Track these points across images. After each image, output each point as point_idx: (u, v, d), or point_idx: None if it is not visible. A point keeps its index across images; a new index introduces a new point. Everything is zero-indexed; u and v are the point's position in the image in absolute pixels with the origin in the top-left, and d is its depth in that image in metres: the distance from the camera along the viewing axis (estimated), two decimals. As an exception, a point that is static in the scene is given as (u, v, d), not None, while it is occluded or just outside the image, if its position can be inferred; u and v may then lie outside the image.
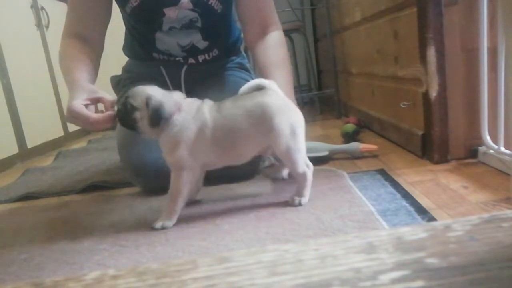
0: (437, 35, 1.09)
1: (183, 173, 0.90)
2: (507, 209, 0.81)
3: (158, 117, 0.87)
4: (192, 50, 1.25)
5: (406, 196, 0.93)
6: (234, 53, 1.39)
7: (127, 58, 1.39)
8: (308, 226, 0.82)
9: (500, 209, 0.82)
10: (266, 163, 1.30)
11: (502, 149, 1.02)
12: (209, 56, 1.28)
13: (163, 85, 1.28)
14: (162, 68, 1.28)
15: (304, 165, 0.93)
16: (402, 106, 1.31)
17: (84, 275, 0.40)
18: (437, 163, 1.14)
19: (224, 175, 1.17)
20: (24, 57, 2.18)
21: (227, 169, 1.10)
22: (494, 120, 1.05)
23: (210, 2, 1.17)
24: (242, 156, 0.96)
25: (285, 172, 1.12)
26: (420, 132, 1.21)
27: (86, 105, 0.94)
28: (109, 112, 0.93)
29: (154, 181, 1.15)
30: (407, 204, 0.88)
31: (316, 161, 1.27)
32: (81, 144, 2.39)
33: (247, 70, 1.40)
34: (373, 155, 1.32)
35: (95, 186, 1.31)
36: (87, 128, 0.95)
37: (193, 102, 0.94)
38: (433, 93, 1.12)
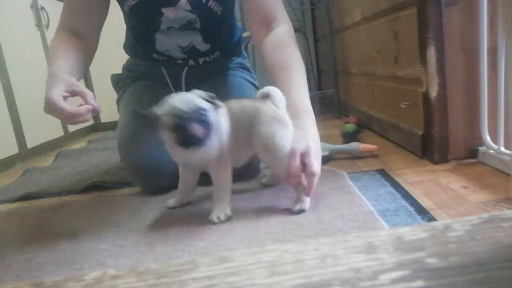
0: (437, 35, 1.09)
1: (223, 165, 0.92)
2: (507, 209, 0.81)
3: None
4: (192, 52, 1.24)
5: (406, 196, 0.93)
6: (236, 53, 1.39)
7: (127, 57, 1.39)
8: (308, 226, 0.82)
9: (500, 209, 0.82)
10: None
11: (502, 149, 1.02)
12: (209, 58, 1.28)
13: (164, 85, 1.29)
14: (163, 68, 1.28)
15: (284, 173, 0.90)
16: (402, 106, 1.31)
17: (84, 275, 0.40)
18: (437, 163, 1.14)
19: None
20: (24, 57, 2.18)
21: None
22: (494, 120, 1.05)
23: (209, 4, 1.15)
24: (242, 158, 0.98)
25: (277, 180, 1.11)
26: (420, 132, 1.21)
27: (65, 97, 0.90)
28: (86, 106, 0.90)
29: (154, 181, 1.15)
30: (407, 204, 0.88)
31: (324, 160, 1.28)
32: (81, 144, 2.39)
33: (248, 69, 1.40)
34: (373, 155, 1.32)
35: (95, 186, 1.31)
36: (65, 121, 0.93)
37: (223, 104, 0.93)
38: (433, 93, 1.12)
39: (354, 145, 1.30)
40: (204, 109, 0.83)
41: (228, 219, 0.90)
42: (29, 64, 2.22)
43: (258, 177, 1.22)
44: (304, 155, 0.88)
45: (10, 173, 1.81)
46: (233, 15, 1.31)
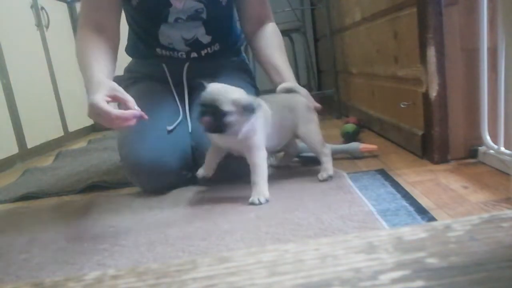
0: (437, 35, 1.09)
1: (261, 152, 1.02)
2: (507, 209, 0.81)
3: (251, 110, 0.96)
4: (195, 44, 1.26)
5: (406, 196, 0.93)
6: (235, 52, 1.39)
7: (128, 60, 1.39)
8: (308, 226, 0.82)
9: (500, 209, 0.82)
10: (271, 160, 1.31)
11: (502, 149, 1.02)
12: (211, 49, 1.30)
13: (165, 85, 1.29)
14: (164, 65, 1.28)
15: (323, 145, 1.13)
16: (402, 106, 1.31)
17: (84, 275, 0.40)
18: (437, 163, 1.14)
19: (224, 175, 1.17)
20: (24, 57, 2.18)
21: (227, 169, 1.11)
22: (494, 120, 1.05)
23: None
24: (281, 142, 1.15)
25: (286, 162, 1.30)
26: (420, 132, 1.21)
27: (108, 102, 0.93)
28: (132, 111, 0.93)
29: (154, 181, 1.15)
30: (407, 204, 0.88)
31: (316, 161, 1.28)
32: (81, 144, 2.39)
33: (247, 71, 1.40)
34: (373, 155, 1.32)
35: (95, 186, 1.31)
36: (108, 125, 0.94)
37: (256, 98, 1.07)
38: (433, 93, 1.12)
39: (354, 145, 1.30)
40: (223, 105, 0.95)
41: (266, 201, 0.98)
42: (29, 64, 2.22)
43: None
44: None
45: (10, 173, 1.81)
46: (234, 12, 1.33)
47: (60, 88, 2.50)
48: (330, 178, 1.09)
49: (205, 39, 1.27)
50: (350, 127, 1.54)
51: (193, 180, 1.24)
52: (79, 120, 2.71)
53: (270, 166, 1.20)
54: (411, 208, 0.85)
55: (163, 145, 1.14)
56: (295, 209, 0.92)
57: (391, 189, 0.98)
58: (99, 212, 1.08)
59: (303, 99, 1.16)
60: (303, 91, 1.18)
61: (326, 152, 1.13)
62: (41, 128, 2.24)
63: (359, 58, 1.87)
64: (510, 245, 0.36)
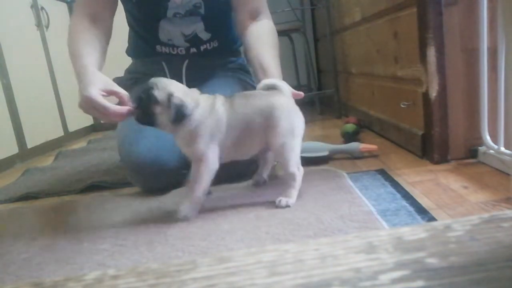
0: (437, 35, 1.09)
1: (204, 164, 0.93)
2: (507, 209, 0.81)
3: (181, 115, 0.90)
4: (194, 40, 1.27)
5: (406, 196, 0.93)
6: (235, 52, 1.40)
7: (128, 61, 1.40)
8: (308, 226, 0.82)
9: (500, 209, 0.82)
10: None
11: (502, 149, 1.02)
12: (210, 45, 1.30)
13: None
14: (164, 64, 1.29)
15: (295, 166, 0.95)
16: (402, 106, 1.31)
17: (84, 275, 0.40)
18: (437, 163, 1.14)
19: (224, 175, 1.17)
20: (24, 57, 2.18)
21: (227, 169, 1.11)
22: (494, 120, 1.05)
23: None
24: (248, 151, 1.00)
25: (265, 174, 1.13)
26: (420, 132, 1.21)
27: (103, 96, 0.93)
28: (128, 108, 0.93)
29: (154, 181, 1.15)
30: (407, 204, 0.88)
31: (316, 161, 1.28)
32: (81, 144, 2.39)
33: (248, 72, 1.40)
34: (373, 155, 1.32)
35: (95, 186, 1.31)
36: (102, 118, 0.94)
37: (208, 98, 0.97)
38: (433, 93, 1.12)
39: (354, 145, 1.30)
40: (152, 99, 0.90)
41: (186, 217, 0.93)
42: (29, 64, 2.22)
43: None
44: None
45: (10, 173, 1.81)
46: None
47: (60, 88, 2.50)
48: (287, 207, 0.93)
49: (204, 35, 1.27)
50: (350, 127, 1.54)
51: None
52: (79, 120, 2.71)
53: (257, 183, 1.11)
54: (411, 208, 0.85)
55: (163, 144, 1.14)
56: (295, 209, 0.92)
57: (391, 189, 0.98)
58: (99, 212, 1.08)
59: (285, 103, 0.96)
60: (286, 89, 1.00)
61: (297, 176, 0.95)
62: (41, 128, 2.24)
63: (359, 58, 1.87)
64: (510, 245, 0.36)
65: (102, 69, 1.06)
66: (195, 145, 0.92)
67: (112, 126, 2.75)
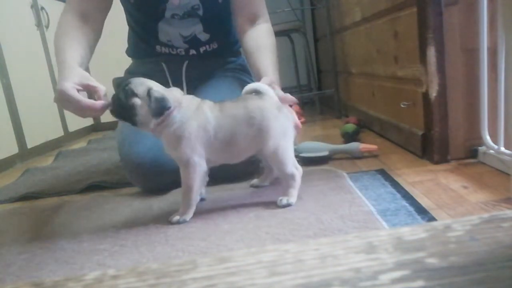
0: (437, 35, 1.09)
1: (190, 168, 0.92)
2: (507, 209, 0.81)
3: (161, 107, 0.87)
4: (193, 41, 1.27)
5: (406, 196, 0.93)
6: (235, 53, 1.40)
7: (128, 61, 1.40)
8: (308, 226, 0.82)
9: (500, 209, 0.82)
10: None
11: (502, 149, 1.02)
12: (209, 47, 1.30)
13: (165, 83, 1.29)
14: (163, 64, 1.29)
15: (292, 166, 0.95)
16: (402, 106, 1.31)
17: (84, 275, 0.40)
18: (437, 163, 1.14)
19: (224, 175, 1.17)
20: (24, 57, 2.18)
21: (227, 169, 1.11)
22: (494, 120, 1.05)
23: None
24: (239, 155, 0.99)
25: (267, 181, 1.12)
26: (420, 132, 1.21)
27: (78, 90, 0.91)
28: (102, 102, 0.90)
29: (153, 180, 1.15)
30: (407, 204, 0.88)
31: (316, 161, 1.28)
32: (81, 144, 2.39)
33: (248, 72, 1.40)
34: (373, 155, 1.32)
35: (95, 186, 1.31)
36: (76, 113, 0.92)
37: (192, 99, 0.95)
38: (433, 93, 1.12)
39: (354, 145, 1.30)
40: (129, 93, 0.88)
41: (184, 221, 0.93)
42: (29, 64, 2.22)
43: (260, 169, 1.23)
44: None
45: (10, 173, 1.81)
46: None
47: (60, 88, 2.50)
48: (288, 206, 0.94)
49: (203, 36, 1.27)
50: (350, 127, 1.54)
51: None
52: (79, 120, 2.71)
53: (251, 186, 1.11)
54: (411, 208, 0.85)
55: (163, 145, 1.14)
56: (295, 209, 0.92)
57: (391, 189, 0.98)
58: (99, 212, 1.08)
59: (273, 106, 0.94)
60: (270, 93, 0.96)
61: (295, 176, 0.95)
62: (41, 128, 2.24)
63: (359, 58, 1.87)
64: (510, 245, 0.36)
65: (86, 66, 1.04)
66: (180, 149, 0.91)
67: (112, 126, 2.75)
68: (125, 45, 1.40)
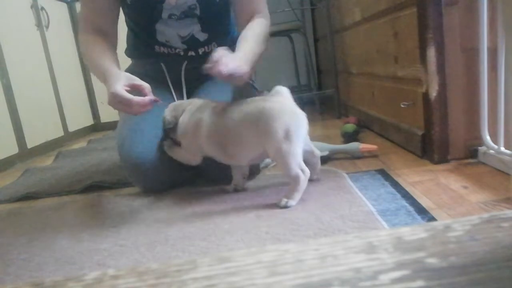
0: (437, 35, 1.09)
1: (184, 155, 1.09)
2: (507, 209, 0.81)
3: (164, 131, 1.11)
4: (192, 42, 1.27)
5: (406, 196, 0.93)
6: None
7: (127, 61, 1.40)
8: (308, 226, 0.82)
9: (500, 209, 0.82)
10: (267, 160, 1.30)
11: (502, 149, 1.02)
12: (208, 48, 1.30)
13: (164, 86, 1.29)
14: (163, 65, 1.29)
15: (297, 169, 0.93)
16: (402, 106, 1.31)
17: (84, 275, 0.40)
18: (437, 163, 1.14)
19: (224, 175, 1.17)
20: (24, 57, 2.18)
21: (227, 169, 1.11)
22: (494, 120, 1.05)
23: None
24: (238, 158, 1.01)
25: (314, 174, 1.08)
26: (420, 132, 1.21)
27: (127, 91, 1.00)
28: (149, 97, 1.01)
29: (153, 180, 1.15)
30: (407, 204, 0.88)
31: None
32: (81, 144, 2.39)
33: None
34: (373, 155, 1.32)
35: (95, 186, 1.31)
36: (128, 111, 1.02)
37: (198, 101, 1.08)
38: (433, 93, 1.12)
39: (354, 145, 1.30)
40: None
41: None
42: (29, 64, 2.22)
43: (261, 168, 1.25)
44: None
45: (10, 173, 1.81)
46: (230, 11, 1.33)
47: (60, 88, 2.50)
48: (287, 207, 0.93)
49: (201, 36, 1.27)
50: (350, 127, 1.54)
51: (193, 180, 1.24)
52: (79, 120, 2.71)
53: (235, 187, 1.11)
54: (411, 208, 0.85)
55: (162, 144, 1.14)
56: (295, 209, 0.92)
57: (391, 189, 0.98)
58: (99, 212, 1.08)
59: (277, 106, 0.93)
60: (284, 91, 0.98)
61: (299, 178, 0.93)
62: (41, 128, 2.24)
63: (359, 58, 1.87)
64: (510, 245, 0.36)
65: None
66: (182, 141, 1.08)
67: (112, 126, 2.76)
68: (124, 45, 1.40)
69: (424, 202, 0.89)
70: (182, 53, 1.29)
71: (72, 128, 2.59)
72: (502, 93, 1.01)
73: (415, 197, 0.92)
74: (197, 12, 1.22)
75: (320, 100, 2.54)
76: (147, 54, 1.31)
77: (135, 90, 1.02)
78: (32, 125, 2.13)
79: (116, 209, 1.09)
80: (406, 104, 1.30)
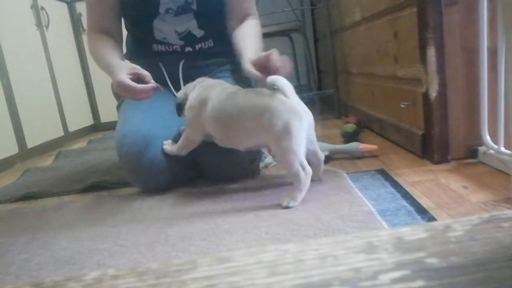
0: (437, 35, 1.09)
1: (187, 130, 1.11)
2: (507, 209, 0.81)
3: (176, 104, 1.15)
4: (188, 38, 1.28)
5: (406, 196, 0.93)
6: (231, 52, 1.39)
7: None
8: (308, 226, 0.82)
9: (500, 209, 0.82)
10: (267, 160, 1.30)
11: (502, 149, 1.02)
12: (205, 44, 1.31)
13: (163, 84, 1.29)
14: (160, 64, 1.30)
15: (298, 166, 0.93)
16: (402, 106, 1.31)
17: (84, 275, 0.40)
18: (437, 163, 1.14)
19: (224, 175, 1.17)
20: (24, 57, 2.18)
21: (227, 169, 1.11)
22: (494, 120, 1.05)
23: None
24: (236, 143, 1.04)
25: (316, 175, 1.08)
26: (420, 132, 1.21)
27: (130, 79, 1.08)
28: (151, 84, 1.08)
29: (153, 180, 1.15)
30: (407, 204, 0.88)
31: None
32: (81, 144, 2.39)
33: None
34: (373, 155, 1.32)
35: (95, 186, 1.31)
36: (133, 98, 1.10)
37: (209, 81, 1.13)
38: (433, 93, 1.12)
39: (354, 145, 1.30)
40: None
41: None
42: (29, 64, 2.22)
43: (261, 168, 1.25)
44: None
45: (10, 173, 1.81)
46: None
47: (60, 88, 2.50)
48: (289, 208, 0.93)
49: (198, 32, 1.28)
50: (350, 127, 1.54)
51: (193, 180, 1.24)
52: (79, 120, 2.71)
53: None
54: (411, 208, 0.85)
55: (162, 144, 1.14)
56: (295, 209, 0.92)
57: (391, 189, 0.98)
58: (99, 212, 1.08)
59: (280, 104, 0.92)
60: (287, 88, 0.95)
61: (300, 176, 0.93)
62: (41, 128, 2.24)
63: (359, 58, 1.87)
64: (510, 245, 0.36)
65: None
66: (187, 114, 1.11)
67: (112, 126, 2.75)
68: (124, 49, 1.41)
69: (424, 202, 0.89)
70: (179, 49, 1.29)
71: (72, 128, 2.59)
72: (502, 93, 1.01)
73: (415, 197, 0.92)
74: (194, 7, 1.24)
75: (320, 100, 2.54)
76: (146, 55, 1.31)
77: (137, 78, 1.10)
78: (32, 125, 2.13)
79: (116, 209, 1.09)
80: (406, 104, 1.30)
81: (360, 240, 0.40)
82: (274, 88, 0.95)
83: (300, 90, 2.70)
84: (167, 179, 1.17)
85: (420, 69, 1.17)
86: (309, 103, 2.86)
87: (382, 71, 1.54)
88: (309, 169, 0.95)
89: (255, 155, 1.18)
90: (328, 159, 1.31)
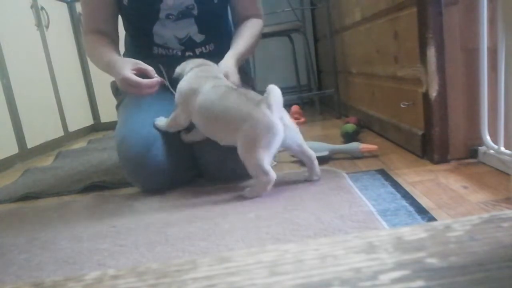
0: (437, 35, 1.09)
1: (176, 111, 1.12)
2: (507, 209, 0.81)
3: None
4: (189, 43, 1.28)
5: (406, 196, 0.93)
6: None
7: None
8: (308, 226, 0.82)
9: (500, 209, 0.82)
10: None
11: (502, 149, 1.02)
12: (205, 49, 1.31)
13: (162, 87, 1.29)
14: (161, 66, 1.29)
15: (258, 171, 0.99)
16: (402, 106, 1.31)
17: (84, 275, 0.40)
18: (437, 163, 1.14)
19: (224, 175, 1.17)
20: (24, 57, 2.18)
21: (227, 169, 1.11)
22: (494, 120, 1.05)
23: None
24: (217, 137, 1.08)
25: (312, 173, 1.11)
26: (420, 132, 1.21)
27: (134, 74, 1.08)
28: (156, 79, 1.10)
29: (153, 180, 1.15)
30: (407, 204, 0.88)
31: (320, 160, 1.28)
32: (81, 144, 2.39)
33: (245, 73, 1.40)
34: (373, 155, 1.32)
35: (95, 186, 1.31)
36: (138, 93, 1.10)
37: (206, 67, 1.13)
38: (433, 93, 1.12)
39: (354, 145, 1.30)
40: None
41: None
42: (29, 64, 2.22)
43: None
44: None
45: (10, 173, 1.81)
46: (228, 12, 1.34)
47: (60, 88, 2.50)
48: (243, 197, 1.02)
49: (198, 37, 1.28)
50: (350, 127, 1.54)
51: (193, 180, 1.24)
52: (79, 120, 2.71)
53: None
54: (411, 208, 0.85)
55: (162, 144, 1.14)
56: (295, 209, 0.92)
57: (391, 189, 0.98)
58: (99, 212, 1.08)
59: (261, 116, 0.96)
60: (273, 100, 0.98)
61: (257, 178, 1.00)
62: (41, 128, 2.24)
63: (359, 58, 1.87)
64: (510, 245, 0.36)
65: None
66: (176, 95, 1.13)
67: (112, 126, 2.75)
68: (122, 49, 1.40)
69: (424, 202, 0.89)
70: (179, 54, 1.29)
71: (72, 128, 2.59)
72: (502, 93, 1.01)
73: (415, 197, 0.92)
74: (195, 12, 1.23)
75: (320, 100, 2.54)
76: (145, 56, 1.31)
77: (141, 73, 1.10)
78: (32, 125, 2.13)
79: (116, 209, 1.08)
80: (406, 104, 1.30)
81: (360, 240, 0.40)
82: (265, 95, 0.99)
83: (300, 90, 2.70)
84: (168, 179, 1.17)
85: (420, 69, 1.17)
86: (309, 103, 2.87)
87: (382, 71, 1.54)
88: (272, 175, 0.99)
89: None
90: (328, 159, 1.31)
